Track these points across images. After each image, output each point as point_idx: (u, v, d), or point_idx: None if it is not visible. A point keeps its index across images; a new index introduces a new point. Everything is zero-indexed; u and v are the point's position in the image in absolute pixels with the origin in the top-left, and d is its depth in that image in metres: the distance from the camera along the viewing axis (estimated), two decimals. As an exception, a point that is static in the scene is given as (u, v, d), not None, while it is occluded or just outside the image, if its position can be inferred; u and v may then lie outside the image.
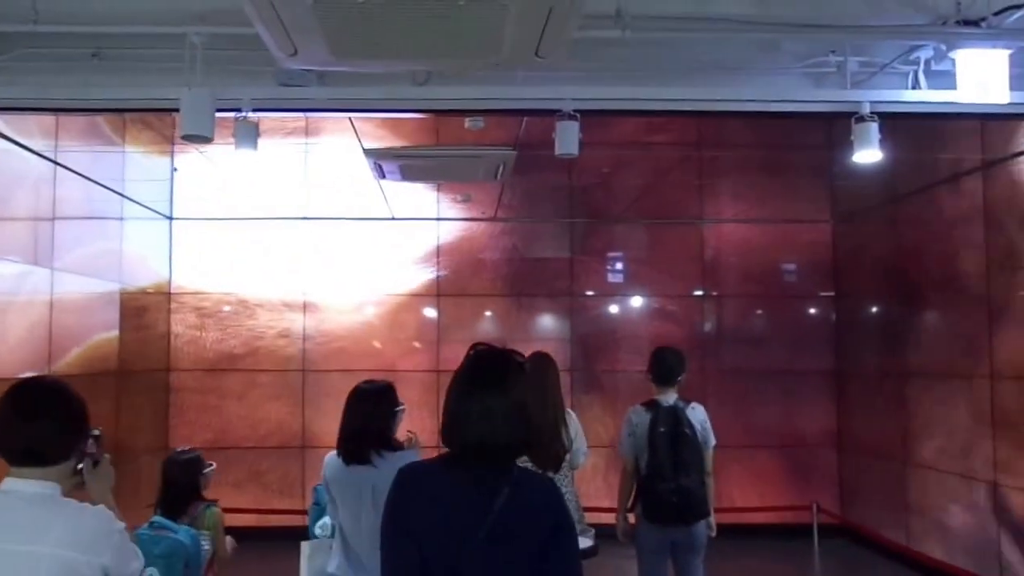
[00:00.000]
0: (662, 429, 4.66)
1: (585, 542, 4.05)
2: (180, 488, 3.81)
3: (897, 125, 7.26)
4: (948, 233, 7.23)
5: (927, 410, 7.53)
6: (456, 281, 9.51)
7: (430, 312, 9.51)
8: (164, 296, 9.04)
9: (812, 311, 9.69)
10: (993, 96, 4.16)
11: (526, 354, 4.73)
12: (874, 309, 8.86)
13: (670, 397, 4.80)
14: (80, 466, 2.31)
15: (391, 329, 9.48)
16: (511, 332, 9.45)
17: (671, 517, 4.61)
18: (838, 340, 9.39)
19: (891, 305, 8.39)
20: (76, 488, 2.31)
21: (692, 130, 8.57)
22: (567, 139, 4.36)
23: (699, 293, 9.67)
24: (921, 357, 7.68)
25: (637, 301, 9.78)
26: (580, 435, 4.70)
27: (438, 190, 9.15)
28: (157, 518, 3.65)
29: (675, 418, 4.69)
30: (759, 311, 9.72)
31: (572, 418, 4.68)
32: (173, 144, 7.23)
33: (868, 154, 4.47)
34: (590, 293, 9.69)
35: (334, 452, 3.51)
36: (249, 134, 4.23)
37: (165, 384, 9.00)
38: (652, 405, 4.79)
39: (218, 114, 4.13)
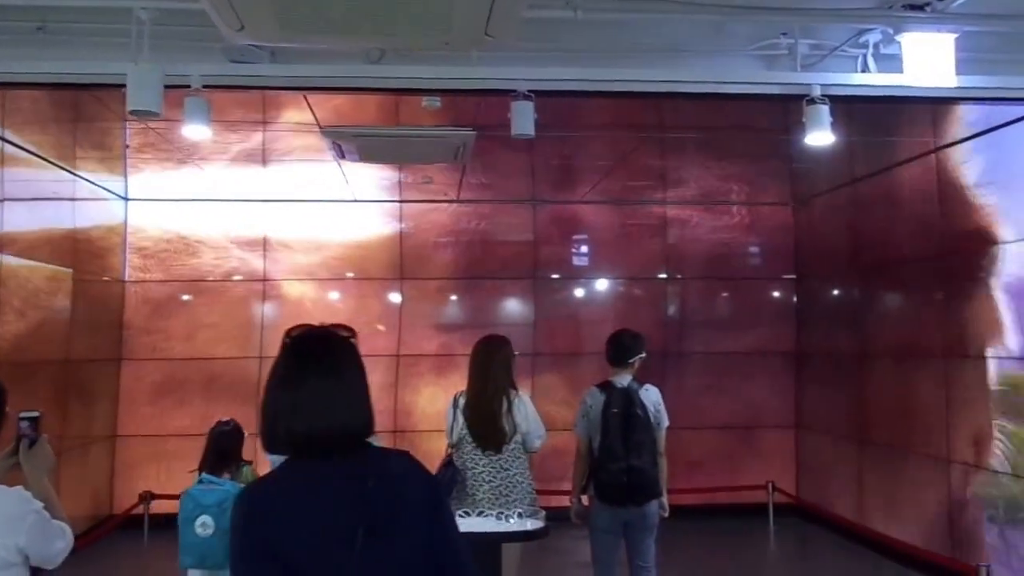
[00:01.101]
0: (615, 410, 4.69)
1: (535, 524, 4.08)
2: (226, 453, 4.30)
3: (854, 109, 7.34)
4: (902, 214, 7.35)
5: (880, 389, 7.67)
6: (419, 264, 9.48)
7: (392, 295, 9.49)
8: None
9: (774, 293, 9.79)
10: (940, 80, 4.23)
11: (479, 337, 4.83)
12: (832, 290, 8.99)
13: (624, 379, 4.83)
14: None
15: (354, 312, 9.43)
16: (473, 315, 9.49)
17: (622, 497, 4.65)
18: (799, 321, 9.51)
19: (847, 286, 8.53)
20: (13, 469, 2.38)
21: (655, 112, 8.59)
22: (522, 120, 4.36)
23: (662, 275, 9.74)
24: (875, 337, 7.81)
25: (600, 283, 9.84)
26: (533, 419, 4.74)
27: (400, 172, 9.12)
28: (205, 475, 4.14)
29: (628, 399, 4.71)
30: (722, 293, 9.81)
31: (524, 402, 4.72)
32: (125, 121, 7.09)
33: (820, 136, 4.51)
34: (553, 276, 9.70)
35: None
36: (200, 110, 4.16)
37: (118, 355, 8.88)
38: (606, 386, 4.82)
39: (169, 91, 4.10)
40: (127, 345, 8.91)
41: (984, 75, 4.35)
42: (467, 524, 3.98)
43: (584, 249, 9.94)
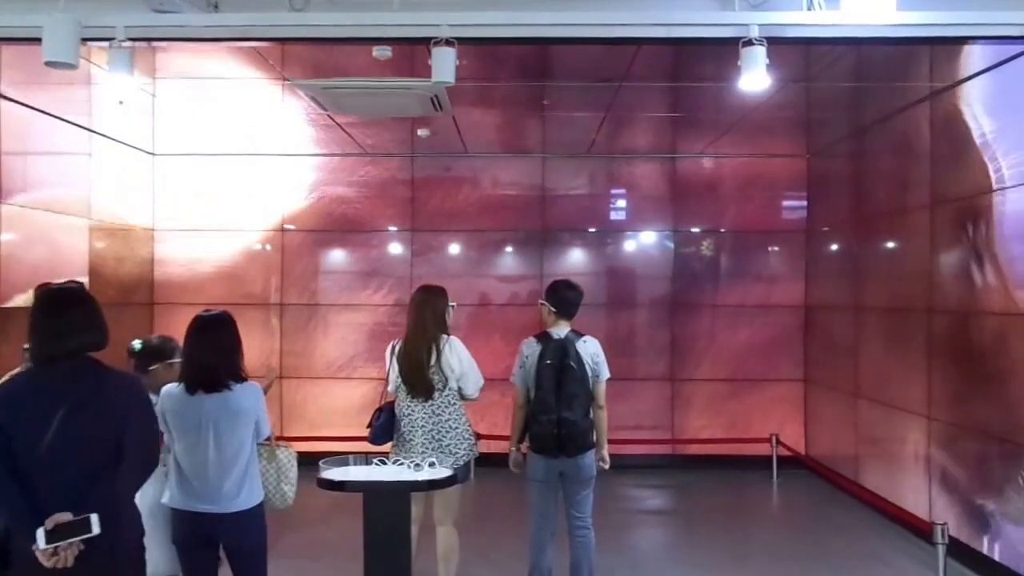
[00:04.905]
0: (548, 361, 4.66)
1: (443, 472, 4.09)
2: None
3: (866, 53, 6.99)
4: (897, 165, 7.04)
5: (876, 345, 7.44)
6: (428, 216, 9.53)
7: (402, 246, 9.57)
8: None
9: (786, 246, 9.52)
10: (878, 14, 3.99)
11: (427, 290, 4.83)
12: (836, 243, 8.73)
13: (562, 330, 4.78)
14: None
15: (363, 262, 9.60)
16: (483, 267, 9.52)
17: (554, 448, 4.64)
18: (807, 274, 9.25)
19: (848, 238, 8.27)
20: None
21: (667, 62, 8.35)
22: (443, 67, 4.26)
23: (673, 228, 9.56)
24: (873, 291, 7.57)
25: (610, 236, 9.71)
26: (467, 365, 4.73)
27: (413, 125, 9.12)
28: None
29: (563, 351, 4.67)
30: (733, 246, 9.60)
31: (455, 349, 4.71)
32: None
33: (754, 78, 4.29)
34: (562, 228, 9.59)
35: (173, 384, 3.58)
36: (123, 59, 4.19)
37: (150, 300, 9.21)
38: (543, 337, 4.79)
39: (99, 44, 4.16)
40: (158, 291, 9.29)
41: (928, 11, 4.06)
42: (379, 472, 4.02)
43: (594, 202, 9.77)
